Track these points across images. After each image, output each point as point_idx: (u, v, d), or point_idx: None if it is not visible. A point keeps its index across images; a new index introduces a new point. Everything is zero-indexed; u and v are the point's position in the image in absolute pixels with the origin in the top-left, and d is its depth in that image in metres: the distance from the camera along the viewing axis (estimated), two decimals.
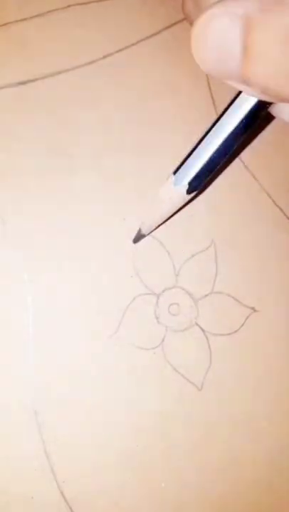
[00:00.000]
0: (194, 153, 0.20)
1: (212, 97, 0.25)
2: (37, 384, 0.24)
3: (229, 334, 0.25)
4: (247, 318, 0.25)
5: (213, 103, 0.26)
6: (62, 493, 0.23)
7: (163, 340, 0.25)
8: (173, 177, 0.21)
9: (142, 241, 0.25)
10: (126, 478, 0.24)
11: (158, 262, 0.25)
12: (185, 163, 0.20)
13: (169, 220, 0.25)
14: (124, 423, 0.24)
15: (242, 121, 0.18)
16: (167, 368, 0.25)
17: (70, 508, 0.23)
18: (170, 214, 0.23)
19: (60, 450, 0.24)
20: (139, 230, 0.24)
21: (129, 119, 0.25)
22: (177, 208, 0.22)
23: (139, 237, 0.24)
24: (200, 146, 0.20)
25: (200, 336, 0.25)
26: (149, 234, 0.24)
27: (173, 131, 0.25)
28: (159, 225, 0.24)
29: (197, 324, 0.25)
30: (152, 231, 0.24)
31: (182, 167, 0.20)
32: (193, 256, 0.25)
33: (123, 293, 0.25)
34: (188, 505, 0.24)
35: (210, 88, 0.26)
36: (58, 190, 0.24)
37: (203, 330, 0.25)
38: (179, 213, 0.25)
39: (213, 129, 0.19)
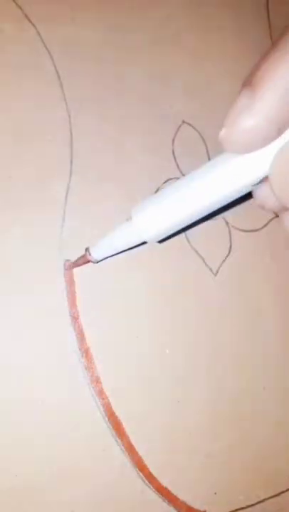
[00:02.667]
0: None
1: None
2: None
3: (251, 231, 0.26)
4: (269, 221, 0.26)
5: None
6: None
7: None
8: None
9: (184, 131, 0.26)
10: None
11: (195, 152, 0.26)
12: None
13: (210, 117, 0.26)
14: (140, 291, 0.24)
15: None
16: (189, 250, 0.25)
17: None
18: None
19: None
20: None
21: None
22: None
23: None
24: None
25: (224, 228, 0.26)
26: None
27: None
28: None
29: (223, 217, 0.26)
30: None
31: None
32: None
33: (159, 173, 0.26)
34: (187, 378, 0.24)
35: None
36: None
37: (227, 223, 0.26)
38: (221, 113, 0.27)
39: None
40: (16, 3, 0.26)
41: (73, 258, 0.23)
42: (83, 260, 0.23)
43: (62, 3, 0.26)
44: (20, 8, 0.26)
